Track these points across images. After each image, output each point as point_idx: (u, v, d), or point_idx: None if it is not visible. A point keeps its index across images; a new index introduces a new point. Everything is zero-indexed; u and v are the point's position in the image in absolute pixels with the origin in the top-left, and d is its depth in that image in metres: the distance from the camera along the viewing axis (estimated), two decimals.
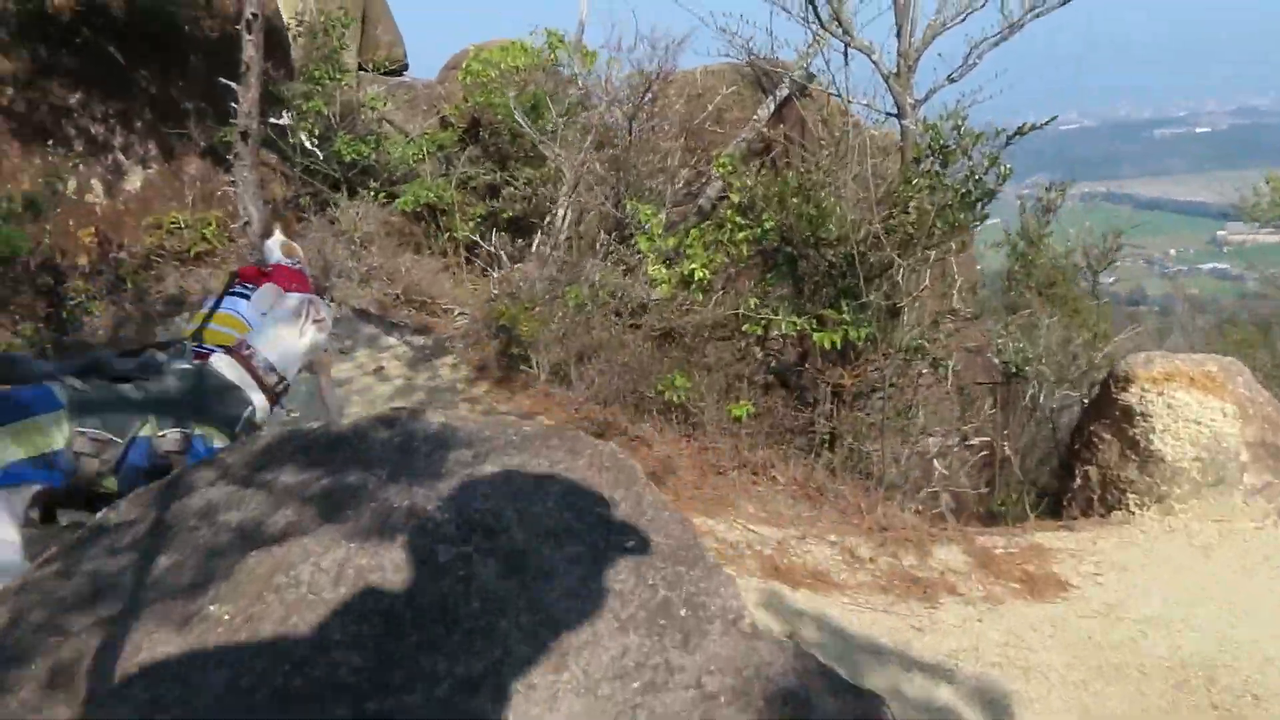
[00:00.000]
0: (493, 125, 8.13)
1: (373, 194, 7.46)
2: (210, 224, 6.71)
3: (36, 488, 1.96)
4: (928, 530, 3.79)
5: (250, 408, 2.37)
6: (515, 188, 7.60)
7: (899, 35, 6.88)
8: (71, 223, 6.24)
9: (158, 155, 7.04)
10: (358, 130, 7.97)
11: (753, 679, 1.12)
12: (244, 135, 6.19)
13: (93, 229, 6.43)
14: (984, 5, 6.86)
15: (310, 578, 1.23)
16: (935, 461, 5.40)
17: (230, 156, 6.48)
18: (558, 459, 1.53)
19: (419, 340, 5.47)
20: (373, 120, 8.51)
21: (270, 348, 2.47)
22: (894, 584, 3.33)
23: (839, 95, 6.39)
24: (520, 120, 7.52)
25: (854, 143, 5.54)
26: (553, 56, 8.00)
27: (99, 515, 1.60)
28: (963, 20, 6.92)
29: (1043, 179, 11.37)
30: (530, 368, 5.08)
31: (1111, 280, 12.68)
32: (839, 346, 4.98)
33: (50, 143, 6.09)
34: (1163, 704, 2.68)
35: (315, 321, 2.55)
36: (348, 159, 7.56)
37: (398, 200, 7.41)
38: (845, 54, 6.74)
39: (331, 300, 5.65)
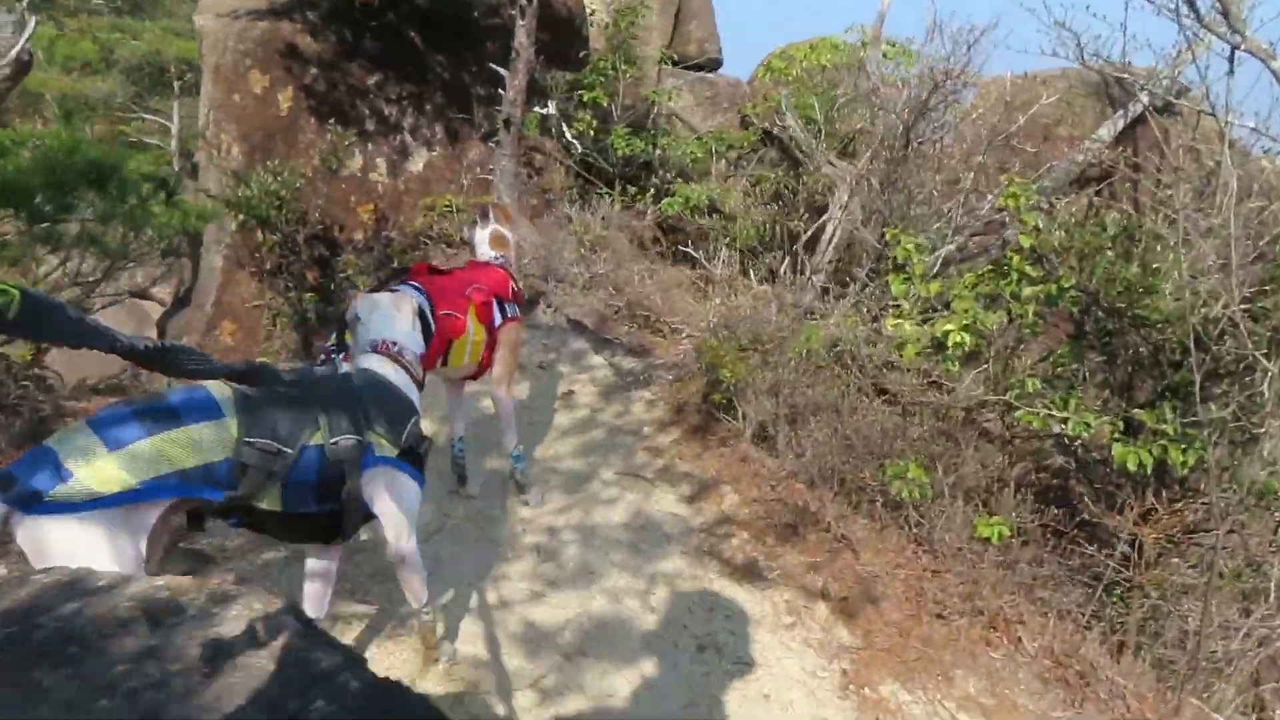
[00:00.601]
0: (780, 127, 7.40)
1: (647, 192, 7.13)
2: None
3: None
4: None
5: (416, 417, 2.23)
6: (786, 199, 6.80)
7: None
8: (353, 199, 6.73)
9: (443, 138, 7.37)
10: (647, 124, 7.71)
11: None
12: (507, 123, 6.16)
13: (372, 206, 6.90)
14: None
15: None
16: None
17: (492, 144, 6.54)
18: None
19: (628, 363, 4.95)
20: (661, 115, 8.22)
21: (408, 341, 2.40)
22: None
23: (1213, 114, 4.61)
24: (791, 120, 6.70)
25: (1227, 179, 3.88)
26: (864, 54, 7.10)
27: None
28: None
29: None
30: (734, 419, 4.33)
31: None
32: (1147, 470, 3.52)
33: (332, 120, 6.55)
34: None
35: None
36: (621, 153, 7.32)
37: (663, 201, 7.00)
38: (1231, 59, 4.81)
39: (549, 306, 5.38)
